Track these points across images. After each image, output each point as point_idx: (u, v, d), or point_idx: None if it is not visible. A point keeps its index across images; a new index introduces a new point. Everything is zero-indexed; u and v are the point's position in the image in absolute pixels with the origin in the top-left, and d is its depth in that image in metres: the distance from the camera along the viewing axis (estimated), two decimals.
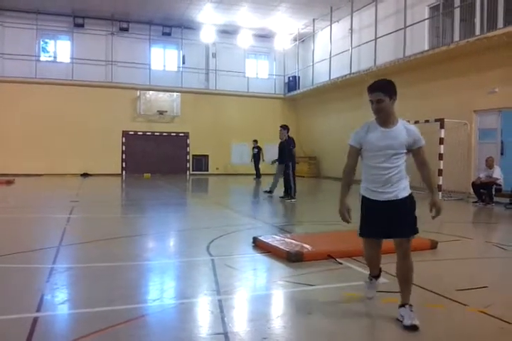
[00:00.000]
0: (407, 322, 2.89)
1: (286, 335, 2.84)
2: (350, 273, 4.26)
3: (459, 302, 3.40)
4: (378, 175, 3.12)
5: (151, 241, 6.08)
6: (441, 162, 11.47)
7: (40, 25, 19.47)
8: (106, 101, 20.03)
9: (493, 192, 10.28)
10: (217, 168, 21.95)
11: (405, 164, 3.15)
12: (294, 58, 22.38)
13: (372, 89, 3.10)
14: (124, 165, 20.66)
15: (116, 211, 9.44)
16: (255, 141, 19.39)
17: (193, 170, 21.89)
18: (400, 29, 14.65)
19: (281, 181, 11.28)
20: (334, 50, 18.70)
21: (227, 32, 21.55)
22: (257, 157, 19.19)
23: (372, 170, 3.15)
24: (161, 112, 20.93)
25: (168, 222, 7.55)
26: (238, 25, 20.86)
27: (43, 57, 20.46)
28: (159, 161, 20.89)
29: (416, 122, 12.57)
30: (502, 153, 11.95)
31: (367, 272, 4.18)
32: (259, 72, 23.51)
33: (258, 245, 5.26)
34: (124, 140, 20.69)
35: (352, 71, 17.01)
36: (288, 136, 11.18)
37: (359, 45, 17.14)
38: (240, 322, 3.07)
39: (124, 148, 20.66)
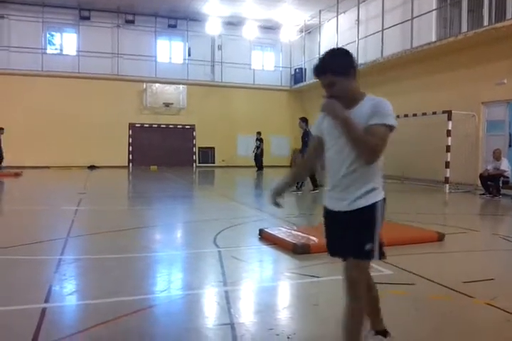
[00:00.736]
0: None
1: (292, 326, 2.86)
2: None
3: (466, 295, 3.40)
4: (333, 172, 2.29)
5: (158, 232, 6.12)
6: (449, 154, 11.41)
7: (46, 17, 19.47)
8: (112, 94, 20.05)
9: (501, 185, 10.23)
10: (223, 160, 21.96)
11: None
12: (300, 50, 22.24)
13: (318, 71, 2.28)
14: (130, 158, 20.74)
15: (123, 203, 9.50)
16: (259, 133, 19.31)
17: (199, 163, 21.93)
18: (407, 20, 14.50)
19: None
20: (340, 41, 18.53)
21: (233, 24, 21.44)
22: (259, 149, 19.11)
23: (329, 166, 2.33)
24: (167, 104, 20.94)
25: (174, 214, 7.59)
26: (244, 16, 20.74)
27: (50, 50, 20.48)
28: (166, 153, 20.93)
29: (423, 114, 12.52)
30: (510, 145, 11.87)
31: (372, 264, 4.19)
32: (265, 64, 23.41)
33: (264, 237, 5.28)
34: (130, 132, 20.75)
35: (359, 62, 16.86)
36: (307, 127, 11.13)
37: (366, 37, 16.99)
38: (246, 313, 3.09)
39: (130, 141, 20.73)
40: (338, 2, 18.06)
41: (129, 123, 20.69)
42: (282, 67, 23.31)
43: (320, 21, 20.25)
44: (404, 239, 5.13)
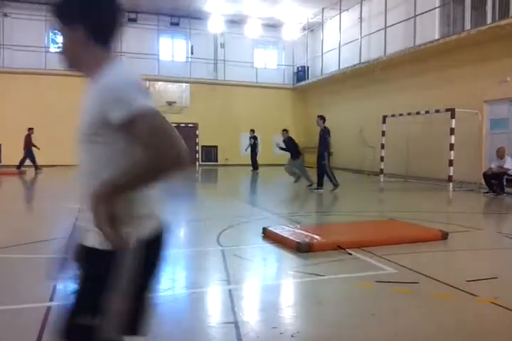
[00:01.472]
0: None
1: (296, 324, 2.86)
2: (360, 263, 4.27)
3: (469, 293, 3.40)
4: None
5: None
6: (452, 152, 11.39)
7: (49, 16, 19.44)
8: None
9: (505, 183, 10.20)
10: (226, 159, 21.97)
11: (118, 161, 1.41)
12: (303, 48, 22.22)
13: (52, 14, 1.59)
14: None
15: None
16: (252, 131, 19.01)
17: (202, 161, 21.94)
18: (410, 18, 14.46)
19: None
20: (343, 39, 18.52)
21: (235, 22, 21.42)
22: (253, 147, 18.80)
23: None
24: (170, 103, 20.94)
25: (178, 213, 7.60)
26: (246, 14, 20.71)
27: (53, 49, 20.51)
28: None
29: (426, 112, 12.50)
30: None
31: (376, 263, 4.20)
32: (268, 62, 23.38)
33: (268, 235, 5.29)
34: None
35: (362, 60, 16.85)
36: (324, 126, 10.96)
37: (369, 34, 16.96)
38: (250, 311, 3.10)
39: None
40: (340, 0, 18.02)
41: None
42: (285, 65, 23.28)
43: (323, 19, 20.22)
44: (407, 238, 5.13)
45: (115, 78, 1.43)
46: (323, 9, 19.70)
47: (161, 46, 21.49)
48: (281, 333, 2.66)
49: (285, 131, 14.18)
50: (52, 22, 1.52)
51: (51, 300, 3.20)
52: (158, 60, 21.01)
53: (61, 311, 1.39)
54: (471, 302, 3.27)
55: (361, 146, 16.18)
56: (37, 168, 16.73)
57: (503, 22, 10.96)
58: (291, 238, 4.83)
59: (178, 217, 7.13)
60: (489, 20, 11.99)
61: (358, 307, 3.17)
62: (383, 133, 14.23)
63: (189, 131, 21.71)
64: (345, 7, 18.46)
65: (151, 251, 1.45)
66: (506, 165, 10.20)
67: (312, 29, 21.93)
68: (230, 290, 3.45)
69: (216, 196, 10.59)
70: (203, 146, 22.04)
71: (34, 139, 18.59)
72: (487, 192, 10.40)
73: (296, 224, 5.97)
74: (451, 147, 11.39)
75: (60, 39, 1.49)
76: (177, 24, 21.15)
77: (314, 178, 11.13)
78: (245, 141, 22.33)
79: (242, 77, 21.95)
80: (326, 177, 10.76)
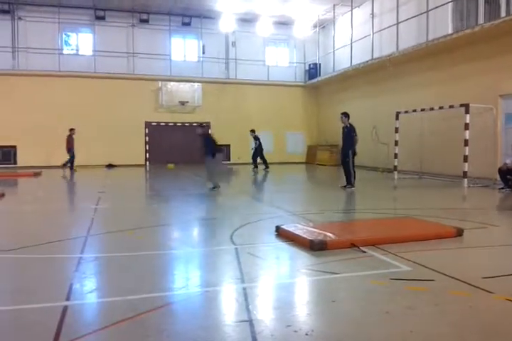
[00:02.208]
0: None
1: (310, 323, 2.86)
2: (374, 261, 4.25)
3: (485, 290, 3.36)
4: None
5: (175, 230, 6.17)
6: (467, 148, 11.25)
7: (62, 18, 19.70)
8: (128, 93, 20.24)
9: None
10: (238, 158, 21.99)
11: None
12: (314, 45, 22.12)
13: None
14: (147, 156, 20.92)
15: (141, 201, 9.60)
16: (253, 131, 18.82)
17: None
18: (423, 13, 14.30)
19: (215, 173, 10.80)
20: (355, 35, 18.39)
21: (247, 20, 21.40)
22: (259, 148, 18.66)
23: None
24: (182, 103, 21.04)
25: (192, 212, 7.64)
26: (257, 13, 20.68)
27: (66, 51, 20.73)
28: (182, 151, 21.05)
29: (440, 108, 12.36)
30: None
31: (391, 260, 4.18)
32: (280, 60, 23.33)
33: (281, 234, 5.29)
34: (147, 131, 20.91)
35: (374, 57, 16.72)
36: (349, 123, 10.71)
37: (380, 30, 16.82)
38: (264, 309, 3.11)
39: (147, 139, 20.90)
40: None
41: (146, 122, 20.85)
42: (296, 62, 23.21)
43: (334, 16, 20.10)
44: (422, 235, 5.09)
45: None
46: (334, 6, 19.58)
47: (173, 46, 21.57)
48: (295, 331, 2.67)
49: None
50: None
51: (67, 299, 3.24)
52: (170, 60, 21.10)
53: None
54: (488, 299, 3.24)
55: (374, 143, 16.06)
56: (72, 168, 17.14)
57: None
58: (305, 236, 4.82)
59: (192, 216, 7.17)
60: (503, 13, 11.80)
61: (373, 305, 3.15)
62: (396, 130, 14.11)
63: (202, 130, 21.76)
64: (356, 3, 18.33)
65: None
66: None
67: (324, 26, 21.83)
68: (244, 289, 3.46)
69: (229, 195, 10.60)
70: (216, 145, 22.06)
71: (48, 139, 18.85)
72: (502, 188, 10.26)
73: (309, 222, 5.96)
74: (466, 143, 11.25)
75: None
76: (188, 24, 21.21)
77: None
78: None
79: (253, 75, 21.95)
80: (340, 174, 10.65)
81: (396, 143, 14.15)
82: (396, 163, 14.08)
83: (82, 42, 20.88)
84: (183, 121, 21.41)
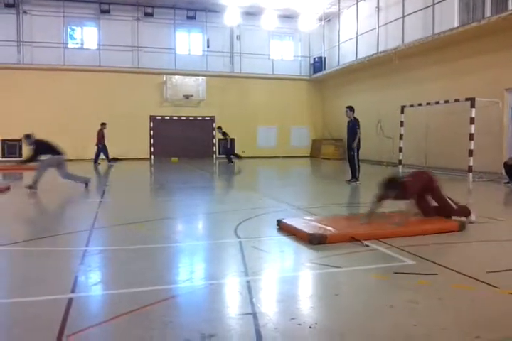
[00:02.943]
0: None
1: (314, 316, 2.88)
2: (378, 255, 4.25)
3: (490, 285, 3.36)
4: None
5: (179, 223, 6.20)
6: (472, 142, 11.20)
7: (67, 12, 19.68)
8: (133, 87, 20.24)
9: None
10: (243, 152, 21.98)
11: None
12: (319, 38, 22.00)
13: None
14: (152, 150, 20.97)
15: (146, 194, 9.63)
16: (219, 128, 18.87)
17: (219, 154, 22.01)
18: (429, 6, 14.18)
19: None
20: (361, 29, 18.27)
21: (251, 14, 21.29)
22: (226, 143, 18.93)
23: None
24: (187, 96, 21.02)
25: (196, 205, 7.66)
26: (262, 6, 20.57)
27: (71, 44, 20.73)
28: (186, 145, 21.09)
29: (446, 102, 12.29)
30: None
31: (394, 254, 4.18)
32: (284, 54, 23.23)
33: (282, 227, 5.30)
34: (151, 125, 20.95)
35: (379, 50, 16.62)
36: (354, 117, 10.66)
37: (386, 24, 16.69)
38: (268, 302, 3.12)
39: (152, 133, 20.94)
40: None
41: (150, 116, 20.88)
42: (301, 56, 23.10)
43: (339, 9, 19.95)
44: (424, 229, 5.09)
45: None
46: None
47: (178, 40, 21.52)
48: (299, 324, 2.68)
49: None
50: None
51: (72, 291, 3.27)
52: (174, 54, 21.06)
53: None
54: (492, 293, 3.24)
55: (379, 137, 16.00)
56: (110, 161, 17.55)
57: None
58: (305, 230, 4.83)
59: (197, 210, 7.19)
60: (510, 6, 11.67)
61: (376, 299, 3.16)
62: (402, 124, 14.05)
63: (206, 124, 21.80)
64: None
65: None
66: None
67: (329, 19, 21.69)
68: (248, 282, 3.47)
69: (233, 188, 10.63)
70: (220, 139, 22.09)
71: (52, 132, 18.88)
72: (508, 182, 10.22)
73: (312, 216, 5.96)
74: (471, 137, 11.20)
75: None
76: (193, 18, 21.14)
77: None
78: (263, 134, 22.35)
79: (258, 69, 21.88)
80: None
81: (401, 136, 14.10)
82: (401, 157, 14.04)
83: (87, 36, 20.86)
84: (187, 115, 21.41)
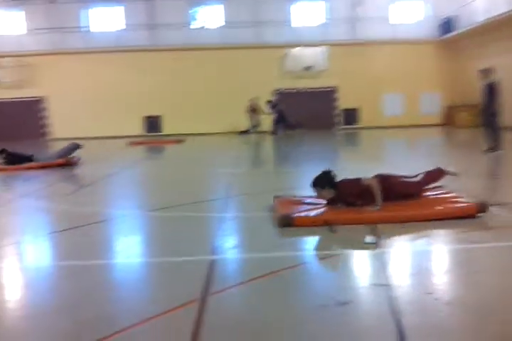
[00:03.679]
0: None
1: (451, 292, 2.76)
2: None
3: None
4: None
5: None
6: None
7: None
8: (256, 62, 20.63)
9: None
10: (368, 121, 21.33)
11: None
12: None
13: None
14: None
15: (271, 166, 9.92)
16: (269, 101, 18.82)
17: (343, 125, 21.63)
18: None
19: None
20: None
21: None
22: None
23: None
24: (307, 68, 20.84)
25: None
26: None
27: (197, 24, 21.70)
28: (308, 117, 21.04)
29: None
30: None
31: None
32: (409, 16, 21.62)
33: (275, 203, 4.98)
34: (274, 98, 21.26)
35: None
36: (493, 79, 9.57)
37: None
38: (401, 275, 3.06)
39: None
40: None
41: (273, 90, 21.17)
42: (428, 17, 21.30)
43: None
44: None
45: None
46: None
47: (297, 11, 21.29)
48: (436, 299, 2.59)
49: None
50: None
51: (213, 254, 3.55)
52: (294, 26, 20.93)
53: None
54: None
55: None
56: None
57: None
58: (281, 210, 4.43)
59: None
60: None
61: None
62: None
63: (328, 95, 21.47)
64: None
65: None
66: None
67: None
68: (380, 253, 3.42)
69: (358, 159, 10.40)
70: (343, 109, 21.65)
71: (187, 108, 20.21)
72: None
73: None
74: None
75: None
76: None
77: None
78: (388, 102, 21.37)
79: (381, 34, 20.75)
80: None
81: None
82: None
83: (211, 14, 21.65)
84: (308, 86, 21.28)
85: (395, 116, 20.85)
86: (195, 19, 21.90)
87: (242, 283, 2.93)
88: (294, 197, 5.10)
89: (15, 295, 2.99)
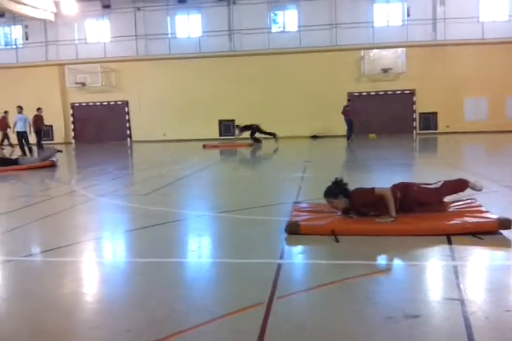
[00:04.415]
0: None
1: None
2: None
3: None
4: None
5: None
6: None
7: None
8: (331, 64, 20.49)
9: None
10: (447, 126, 20.38)
11: None
12: None
13: None
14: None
15: (342, 171, 9.77)
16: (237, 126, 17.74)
17: (420, 129, 20.84)
18: None
19: None
20: None
21: None
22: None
23: None
24: (385, 70, 20.32)
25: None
26: None
27: (274, 29, 21.95)
28: (384, 121, 20.52)
29: None
30: None
31: None
32: (497, 15, 20.37)
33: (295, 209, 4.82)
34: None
35: None
36: None
37: None
38: (477, 290, 2.90)
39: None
40: None
41: (348, 92, 20.86)
42: None
43: None
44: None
45: None
46: None
47: (376, 12, 20.83)
48: None
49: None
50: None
51: (281, 258, 3.57)
52: (372, 28, 20.48)
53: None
54: None
55: None
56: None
57: None
58: (292, 217, 4.39)
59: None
60: None
61: None
62: None
63: (405, 98, 20.81)
64: None
65: None
66: None
67: None
68: (454, 267, 3.27)
69: (435, 166, 9.96)
70: (420, 113, 20.85)
71: (265, 113, 20.48)
72: None
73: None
74: None
75: None
76: None
77: None
78: (470, 106, 20.30)
79: (465, 34, 19.76)
80: None
81: None
82: None
83: (288, 19, 21.80)
84: (385, 89, 20.74)
85: (477, 121, 19.78)
86: (275, 23, 22.17)
87: (309, 289, 2.92)
88: (313, 203, 5.08)
89: (92, 289, 3.20)
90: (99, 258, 3.90)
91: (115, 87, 22.28)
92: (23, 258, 3.77)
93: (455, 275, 3.11)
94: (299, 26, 20.97)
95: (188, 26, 22.21)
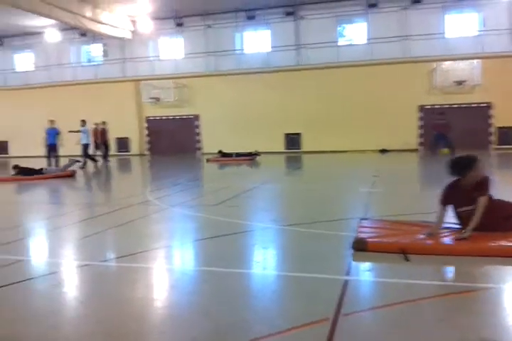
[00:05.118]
0: None
1: None
2: None
3: None
4: None
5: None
6: None
7: (338, 12, 20.78)
8: (401, 77, 20.00)
9: None
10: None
11: None
12: None
13: None
14: (421, 141, 20.32)
15: (414, 186, 9.43)
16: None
17: (498, 144, 19.69)
18: None
19: None
20: None
21: None
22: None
23: None
24: (459, 82, 19.50)
25: None
26: None
27: (342, 42, 21.83)
28: (459, 135, 19.58)
29: None
30: None
31: None
32: None
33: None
34: (420, 115, 20.29)
35: None
36: None
37: None
38: None
39: (420, 123, 20.28)
40: None
41: (419, 106, 20.23)
42: None
43: None
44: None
45: None
46: None
47: (447, 23, 20.13)
48: None
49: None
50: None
51: (347, 274, 3.50)
52: (445, 39, 19.80)
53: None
54: None
55: None
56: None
57: None
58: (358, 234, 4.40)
59: None
60: None
61: None
62: None
63: (481, 112, 19.80)
64: None
65: None
66: None
67: None
68: None
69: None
70: (498, 127, 19.74)
71: (330, 127, 20.34)
72: None
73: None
74: None
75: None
76: None
77: None
78: None
79: None
80: None
81: None
82: None
83: (356, 32, 21.62)
84: (458, 102, 19.86)
85: None
86: (342, 36, 22.08)
87: (377, 307, 2.84)
88: (381, 220, 5.00)
89: (162, 295, 3.31)
90: (169, 265, 4.03)
91: (187, 102, 23.11)
92: (99, 263, 3.98)
93: None
94: (368, 39, 20.71)
95: (256, 41, 22.64)
